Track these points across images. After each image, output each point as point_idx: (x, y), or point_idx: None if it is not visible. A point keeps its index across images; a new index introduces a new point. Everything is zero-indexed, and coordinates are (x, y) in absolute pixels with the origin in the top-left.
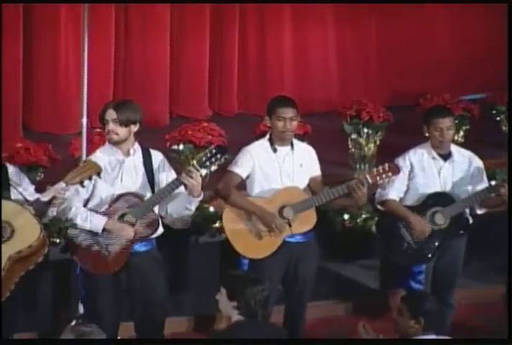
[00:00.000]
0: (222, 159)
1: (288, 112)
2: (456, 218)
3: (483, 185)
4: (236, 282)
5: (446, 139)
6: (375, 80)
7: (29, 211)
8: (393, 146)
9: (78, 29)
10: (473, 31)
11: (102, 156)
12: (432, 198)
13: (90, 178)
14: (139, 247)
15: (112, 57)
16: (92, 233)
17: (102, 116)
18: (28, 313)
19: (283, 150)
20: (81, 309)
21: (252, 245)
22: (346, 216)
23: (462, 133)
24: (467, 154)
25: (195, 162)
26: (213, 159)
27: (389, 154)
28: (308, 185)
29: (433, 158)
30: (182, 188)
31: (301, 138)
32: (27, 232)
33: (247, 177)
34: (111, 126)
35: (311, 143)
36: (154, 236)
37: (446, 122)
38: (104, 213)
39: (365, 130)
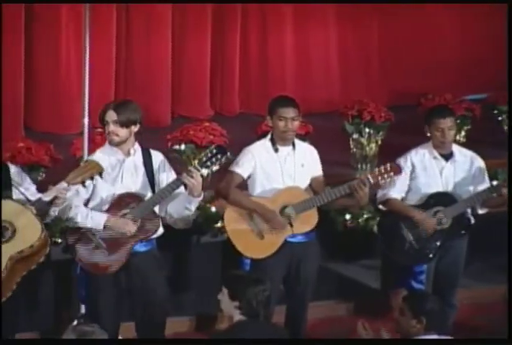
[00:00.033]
0: (223, 159)
1: (289, 112)
2: (458, 218)
3: (485, 185)
4: (237, 282)
5: (447, 139)
6: (377, 79)
7: (30, 211)
8: (395, 146)
9: (79, 29)
10: (475, 31)
11: (102, 156)
12: (434, 198)
13: (91, 178)
14: (139, 247)
15: (113, 56)
16: (92, 233)
17: (102, 117)
18: (30, 313)
19: (285, 150)
20: (83, 309)
21: (254, 245)
22: (347, 216)
23: (463, 133)
24: (468, 154)
25: (196, 162)
26: (213, 159)
27: (391, 154)
28: (310, 185)
29: (435, 158)
30: (182, 188)
31: (303, 138)
32: (29, 232)
33: (249, 177)
34: (111, 127)
35: (312, 143)
36: (155, 236)
37: (447, 122)
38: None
39: (367, 130)
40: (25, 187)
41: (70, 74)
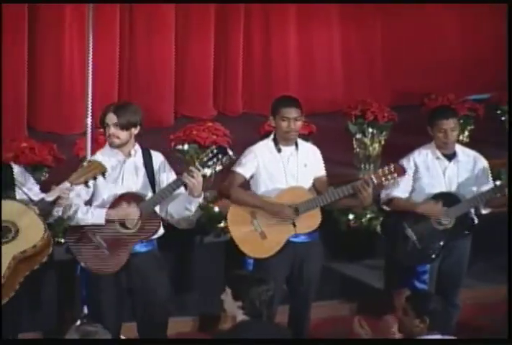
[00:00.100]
0: (223, 160)
1: (292, 112)
2: (462, 218)
3: (488, 185)
4: (241, 282)
5: (450, 140)
6: (380, 80)
7: (33, 211)
8: (398, 146)
9: (82, 29)
10: (478, 31)
11: (102, 158)
12: (437, 198)
13: (94, 178)
14: (140, 248)
15: (117, 57)
16: (93, 233)
17: (102, 120)
18: (33, 313)
19: (288, 150)
20: (86, 309)
21: (257, 244)
22: (351, 216)
23: (466, 133)
24: (471, 154)
25: (197, 162)
26: (214, 159)
27: (394, 154)
28: (313, 185)
29: (438, 158)
30: (182, 189)
31: (306, 138)
32: (32, 232)
33: (251, 177)
34: (112, 130)
35: (315, 143)
36: (156, 236)
37: (450, 123)
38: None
39: (370, 130)
40: (28, 188)
41: (74, 74)
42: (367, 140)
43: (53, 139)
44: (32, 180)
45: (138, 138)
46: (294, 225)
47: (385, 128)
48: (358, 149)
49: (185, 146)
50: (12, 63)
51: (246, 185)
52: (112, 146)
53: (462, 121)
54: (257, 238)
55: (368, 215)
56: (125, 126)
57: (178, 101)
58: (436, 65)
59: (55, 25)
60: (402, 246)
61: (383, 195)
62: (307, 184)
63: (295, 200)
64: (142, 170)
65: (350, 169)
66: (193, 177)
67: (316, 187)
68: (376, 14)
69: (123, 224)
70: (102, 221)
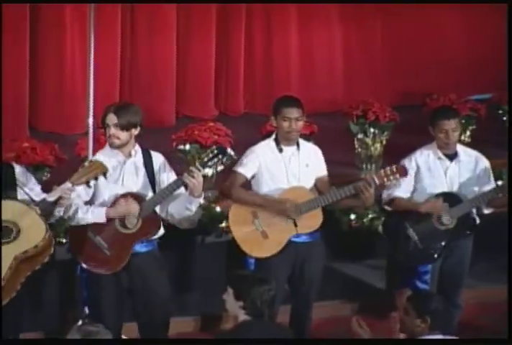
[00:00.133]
0: (224, 160)
1: (294, 112)
2: (463, 218)
3: (490, 185)
4: (242, 282)
5: (451, 140)
6: (381, 79)
7: (35, 211)
8: (400, 146)
9: (84, 29)
10: (480, 31)
11: (103, 158)
12: (439, 198)
13: (96, 178)
14: (140, 248)
15: (118, 57)
16: (94, 233)
17: (103, 120)
18: (34, 313)
19: (289, 150)
20: (87, 309)
21: (258, 244)
22: (352, 216)
23: (468, 133)
24: (473, 154)
25: (198, 162)
26: (215, 160)
27: (395, 154)
28: (315, 185)
29: (439, 158)
30: (182, 189)
31: (307, 138)
32: (33, 232)
33: (252, 177)
34: (112, 130)
35: (317, 143)
36: (156, 236)
37: (451, 124)
38: None
39: (371, 130)
40: (30, 188)
41: (75, 74)
42: (368, 140)
43: (55, 139)
44: (33, 180)
45: (139, 138)
46: (295, 225)
47: (387, 128)
48: (360, 149)
49: (187, 147)
50: (13, 63)
51: (247, 185)
52: (112, 146)
53: (463, 121)
54: (258, 238)
55: (370, 216)
56: (125, 127)
57: (180, 101)
58: (437, 64)
59: (57, 25)
60: (404, 246)
61: (385, 195)
62: (308, 184)
63: (296, 200)
64: (142, 171)
65: (352, 170)
66: (193, 177)
67: (318, 187)
68: (376, 14)
69: (123, 224)
70: (102, 220)
